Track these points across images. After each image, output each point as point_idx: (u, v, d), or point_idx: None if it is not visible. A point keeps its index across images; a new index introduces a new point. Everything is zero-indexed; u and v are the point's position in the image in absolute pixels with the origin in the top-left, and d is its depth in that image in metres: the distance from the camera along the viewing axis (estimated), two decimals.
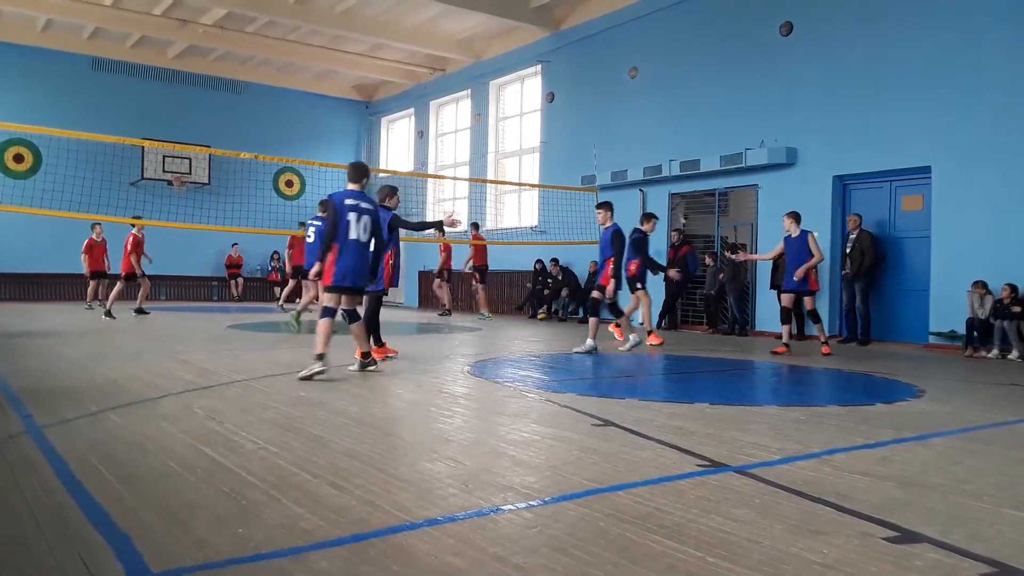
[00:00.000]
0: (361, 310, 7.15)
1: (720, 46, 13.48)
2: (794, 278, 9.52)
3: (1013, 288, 9.49)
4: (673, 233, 13.92)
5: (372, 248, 6.78)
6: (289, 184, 21.71)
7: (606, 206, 9.46)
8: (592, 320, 9.24)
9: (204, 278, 20.75)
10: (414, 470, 3.66)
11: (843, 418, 5.28)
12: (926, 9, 10.76)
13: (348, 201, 6.64)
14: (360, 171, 6.89)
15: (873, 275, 11.18)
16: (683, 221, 14.34)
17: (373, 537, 2.68)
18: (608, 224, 9.32)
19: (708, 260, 13.35)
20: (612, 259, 9.14)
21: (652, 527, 2.80)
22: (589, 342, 9.07)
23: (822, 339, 9.73)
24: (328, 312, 6.63)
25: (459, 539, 2.67)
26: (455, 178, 18.85)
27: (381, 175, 21.79)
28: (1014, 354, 9.36)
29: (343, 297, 6.70)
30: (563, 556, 2.51)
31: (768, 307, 12.42)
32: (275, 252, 20.91)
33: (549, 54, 17.13)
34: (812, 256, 9.43)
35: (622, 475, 3.55)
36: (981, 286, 9.78)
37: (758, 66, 12.85)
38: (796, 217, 9.61)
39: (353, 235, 6.57)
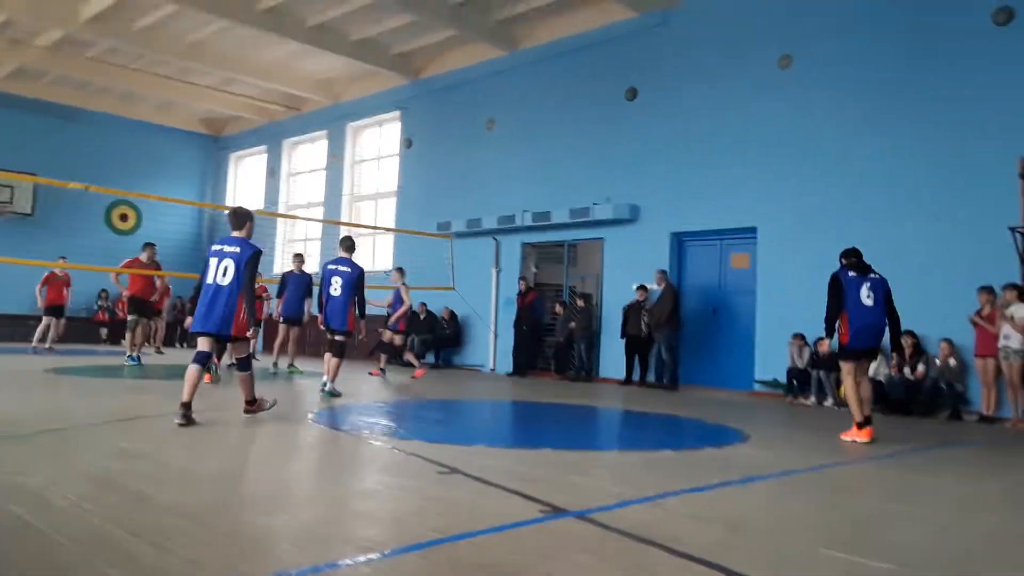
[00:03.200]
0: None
1: (572, 105, 14.12)
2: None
3: (826, 341, 10.37)
4: (520, 281, 14.24)
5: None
6: (124, 218, 20.40)
7: (344, 242, 9.05)
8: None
9: (21, 317, 18.88)
10: (246, 525, 3.46)
11: (675, 462, 5.55)
12: (761, 79, 11.71)
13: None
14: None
15: (672, 326, 11.90)
16: (534, 270, 14.73)
17: None
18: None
19: (558, 309, 13.73)
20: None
21: None
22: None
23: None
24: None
25: None
26: (308, 219, 18.39)
27: (226, 212, 20.97)
28: (829, 401, 10.21)
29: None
30: None
31: (611, 354, 12.93)
32: (103, 290, 19.42)
33: (408, 100, 17.27)
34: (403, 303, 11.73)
35: (465, 524, 3.53)
36: (799, 338, 10.66)
37: (606, 126, 13.56)
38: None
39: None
